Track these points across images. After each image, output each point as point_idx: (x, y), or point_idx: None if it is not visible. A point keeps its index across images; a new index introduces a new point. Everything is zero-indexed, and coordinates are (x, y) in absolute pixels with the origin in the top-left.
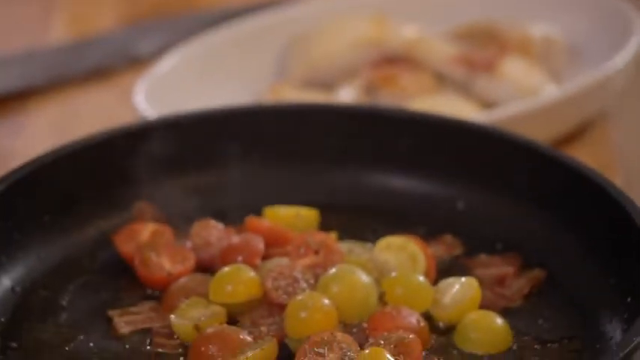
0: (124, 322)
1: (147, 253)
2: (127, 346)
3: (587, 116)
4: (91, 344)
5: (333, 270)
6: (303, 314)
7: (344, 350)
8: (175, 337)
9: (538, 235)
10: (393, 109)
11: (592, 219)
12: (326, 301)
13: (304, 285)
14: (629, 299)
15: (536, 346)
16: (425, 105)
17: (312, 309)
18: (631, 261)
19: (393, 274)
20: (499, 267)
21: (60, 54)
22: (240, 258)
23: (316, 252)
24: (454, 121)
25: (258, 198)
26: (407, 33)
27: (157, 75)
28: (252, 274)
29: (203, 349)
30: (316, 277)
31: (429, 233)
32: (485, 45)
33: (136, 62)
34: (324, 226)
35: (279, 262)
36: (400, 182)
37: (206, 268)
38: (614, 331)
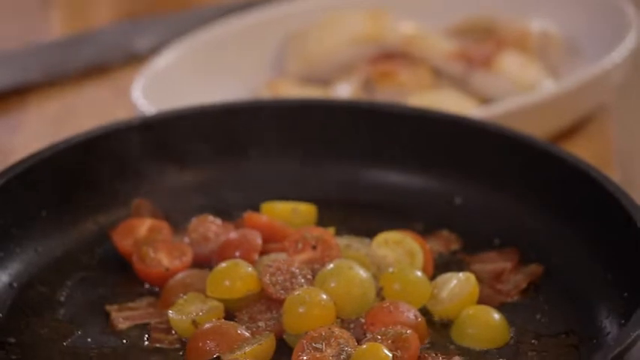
0: (121, 318)
1: (145, 248)
2: (125, 342)
3: (585, 111)
4: (89, 339)
5: (331, 265)
6: (300, 309)
7: (341, 345)
8: (173, 332)
9: (535, 231)
10: (391, 105)
11: (589, 214)
12: (324, 297)
13: (302, 280)
14: (626, 294)
15: (533, 341)
16: (422, 101)
17: (310, 304)
18: (628, 256)
19: (391, 269)
20: (496, 262)
21: (58, 50)
22: (237, 253)
23: (314, 247)
24: (452, 116)
25: (256, 193)
26: (404, 29)
27: (154, 71)
28: (249, 269)
29: (201, 344)
30: (314, 273)
31: (426, 228)
32: (482, 40)
33: (133, 58)
34: (322, 221)
35: (277, 258)
36: (398, 177)
37: (204, 263)
38: (611, 325)
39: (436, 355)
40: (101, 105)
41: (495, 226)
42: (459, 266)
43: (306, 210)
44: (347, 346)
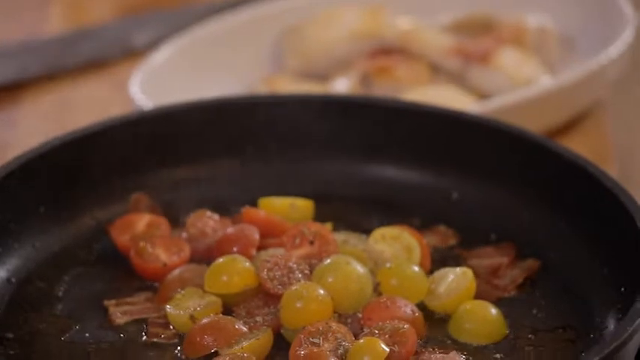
0: (119, 313)
1: (142, 243)
2: (123, 336)
3: (582, 107)
4: (87, 334)
5: (328, 260)
6: (298, 304)
7: (339, 340)
8: (171, 327)
9: (532, 226)
10: (388, 100)
11: (586, 209)
12: (321, 292)
13: (299, 275)
14: (622, 289)
15: (530, 336)
16: (420, 96)
17: (307, 299)
18: (625, 251)
19: (388, 264)
20: (493, 257)
21: (56, 45)
22: (235, 249)
23: (311, 242)
24: (449, 111)
25: (254, 189)
26: (402, 24)
27: (152, 66)
28: (247, 264)
29: (198, 339)
30: (311, 268)
31: (423, 224)
32: (479, 36)
33: (131, 54)
34: (319, 216)
35: (275, 253)
36: (395, 173)
37: (201, 258)
38: (608, 320)
39: (433, 349)
40: (99, 100)
41: (492, 221)
42: (456, 261)
43: (303, 205)
44: (344, 341)
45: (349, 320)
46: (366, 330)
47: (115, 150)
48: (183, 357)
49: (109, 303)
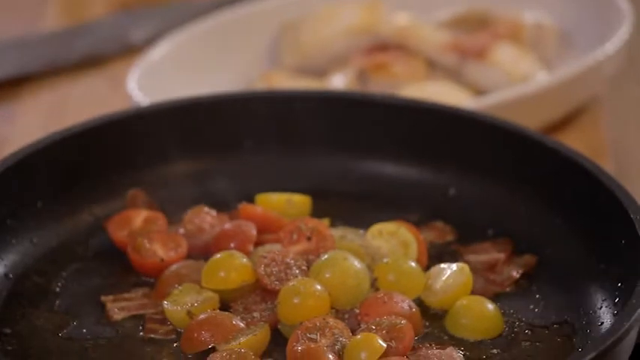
0: (117, 308)
1: (140, 239)
2: (120, 332)
3: (578, 103)
4: (84, 330)
5: (326, 256)
6: (295, 300)
7: (336, 336)
8: (168, 322)
9: (529, 222)
10: (385, 96)
11: (583, 205)
12: (318, 287)
13: (296, 271)
14: (619, 284)
15: (527, 331)
16: (416, 92)
17: (305, 295)
18: (621, 246)
19: (385, 260)
20: (490, 253)
21: (53, 41)
22: (232, 244)
23: (308, 238)
24: (445, 107)
25: (251, 185)
26: (399, 20)
27: (149, 62)
28: (244, 260)
29: (196, 334)
30: (308, 264)
31: (420, 219)
32: (476, 32)
33: (128, 50)
34: (317, 212)
35: (272, 249)
36: (392, 169)
37: (199, 254)
38: (605, 316)
39: (430, 345)
40: (96, 96)
41: (489, 217)
42: (453, 257)
43: (300, 201)
44: (341, 337)
45: (346, 316)
46: (363, 326)
47: (112, 146)
48: (180, 353)
49: (107, 299)
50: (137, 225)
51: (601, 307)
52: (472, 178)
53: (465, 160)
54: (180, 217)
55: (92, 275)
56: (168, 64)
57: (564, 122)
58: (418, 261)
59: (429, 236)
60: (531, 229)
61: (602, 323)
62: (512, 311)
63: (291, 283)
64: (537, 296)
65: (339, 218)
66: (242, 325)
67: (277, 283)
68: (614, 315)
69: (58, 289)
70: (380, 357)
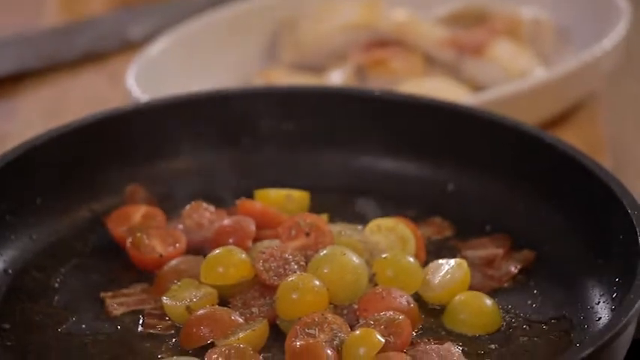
0: (116, 304)
1: (139, 235)
2: (119, 328)
3: (576, 99)
4: (83, 325)
5: (324, 252)
6: (294, 296)
7: (334, 331)
8: (167, 318)
9: (527, 217)
10: (383, 92)
11: (580, 201)
12: (317, 283)
13: (295, 267)
14: (617, 279)
15: (525, 327)
16: (414, 88)
17: (303, 290)
18: (619, 242)
19: (384, 255)
20: (488, 248)
21: (52, 37)
22: (231, 240)
23: (307, 234)
24: (444, 103)
25: (249, 180)
26: (397, 16)
27: (148, 59)
28: (243, 256)
29: (195, 330)
30: (307, 259)
31: (419, 215)
32: (474, 28)
33: (127, 46)
34: (315, 208)
35: (270, 244)
36: (390, 164)
37: (197, 250)
38: (603, 311)
39: (428, 340)
40: (95, 92)
41: (487, 212)
42: (451, 252)
43: (299, 197)
44: (340, 332)
45: (345, 311)
46: (361, 321)
47: (111, 142)
48: (179, 348)
49: (106, 294)
50: (136, 221)
51: (599, 302)
52: (470, 173)
53: (463, 156)
54: (179, 213)
55: (91, 271)
56: (167, 61)
57: (562, 118)
58: (416, 256)
59: (428, 232)
60: (529, 224)
61: (600, 318)
62: (510, 306)
63: (289, 279)
64: (535, 291)
65: (338, 214)
66: (241, 320)
67: (276, 278)
68: (612, 310)
69: (57, 285)
70: (378, 352)
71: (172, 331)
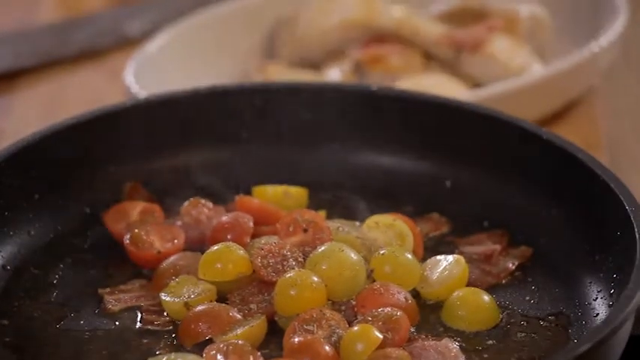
0: (114, 300)
1: (137, 231)
2: (117, 324)
3: (573, 95)
4: (82, 322)
5: (322, 248)
6: (292, 292)
7: (333, 327)
8: (165, 314)
9: (525, 213)
10: (381, 88)
11: (578, 196)
12: (315, 279)
13: (293, 263)
14: (615, 275)
15: (522, 323)
16: (413, 84)
17: (301, 287)
18: (616, 238)
19: (382, 251)
20: (486, 244)
21: (49, 34)
22: (229, 236)
23: (305, 230)
24: (442, 100)
25: (248, 177)
26: (395, 13)
27: (146, 55)
28: (241, 252)
29: (193, 326)
30: (305, 255)
31: (416, 211)
32: (472, 25)
33: (125, 42)
34: (313, 204)
35: (269, 241)
36: (388, 161)
37: (196, 246)
38: (600, 307)
39: (426, 336)
40: (93, 88)
41: (485, 208)
42: (448, 249)
43: (297, 193)
44: (338, 328)
45: (343, 307)
46: (359, 317)
47: (109, 138)
48: (177, 344)
49: (104, 290)
50: (134, 217)
51: (596, 298)
52: (468, 170)
53: (461, 153)
54: (177, 210)
55: (89, 267)
56: (165, 57)
57: (560, 114)
58: (414, 253)
59: (425, 228)
60: (527, 220)
61: (598, 314)
62: (507, 302)
63: (287, 275)
64: (533, 288)
65: (336, 210)
66: (239, 316)
67: (274, 274)
68: (610, 306)
69: (55, 281)
70: (376, 348)
71: (170, 328)
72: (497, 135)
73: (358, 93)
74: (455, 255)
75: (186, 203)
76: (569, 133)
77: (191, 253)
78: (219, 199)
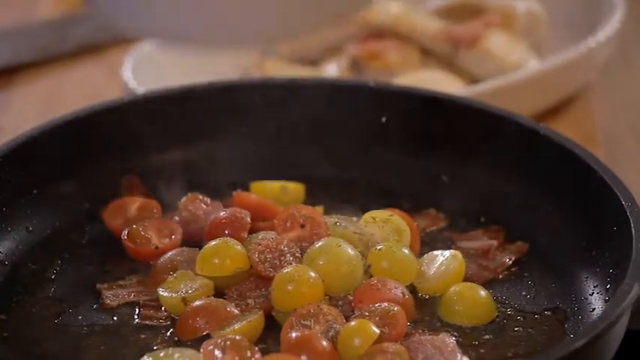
0: (112, 295)
1: (135, 227)
2: (115, 319)
3: (570, 90)
4: (80, 317)
5: (319, 243)
6: (289, 287)
7: (330, 322)
8: (163, 309)
9: (521, 209)
10: (378, 84)
11: (574, 192)
12: (312, 274)
13: (290, 258)
14: (611, 271)
15: (519, 317)
16: (410, 80)
17: (299, 282)
18: (613, 233)
19: (379, 246)
20: (483, 240)
21: (48, 30)
22: (227, 232)
23: (302, 225)
24: (439, 95)
25: (245, 172)
26: (392, 9)
27: (144, 51)
28: (238, 247)
29: (191, 321)
30: (302, 251)
31: (413, 207)
32: (469, 20)
33: (124, 38)
34: (310, 200)
35: (266, 236)
36: (386, 156)
37: (193, 241)
38: (597, 302)
39: (423, 331)
40: (92, 84)
41: (482, 204)
42: (445, 244)
43: (294, 189)
44: (335, 323)
45: (340, 302)
46: (356, 312)
47: (107, 134)
48: (175, 339)
49: (102, 286)
50: (132, 213)
51: (592, 293)
52: (465, 165)
53: (458, 148)
54: (174, 205)
55: (87, 263)
56: (163, 53)
57: (556, 110)
58: (411, 248)
59: (422, 223)
60: (524, 216)
61: (594, 309)
62: (504, 297)
63: (285, 270)
64: (529, 283)
65: (333, 206)
66: (236, 311)
67: (271, 270)
68: (606, 301)
69: (53, 277)
70: (373, 343)
71: (168, 323)
72: (493, 131)
73: (356, 89)
74: (452, 250)
75: (183, 199)
76: (566, 129)
77: (189, 249)
78: (217, 194)
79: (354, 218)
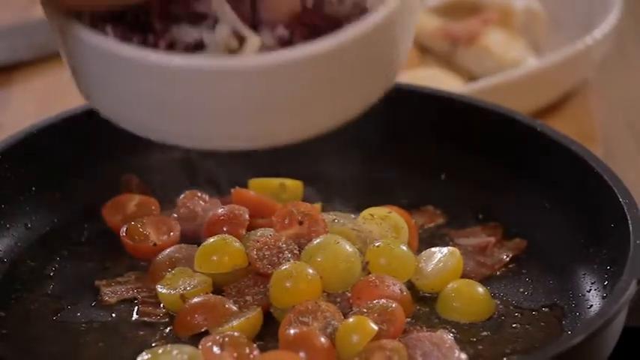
0: (110, 292)
1: (133, 224)
2: (114, 316)
3: (568, 87)
4: (79, 314)
5: (317, 240)
6: (287, 284)
7: (328, 319)
8: (161, 306)
9: (519, 205)
10: None
11: (572, 189)
12: (310, 271)
13: (288, 255)
14: (608, 267)
15: (517, 314)
16: (409, 78)
17: (297, 279)
18: (611, 230)
19: (377, 243)
20: (481, 236)
21: (46, 27)
22: (225, 229)
23: (300, 222)
24: (437, 93)
25: (243, 169)
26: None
27: None
28: (237, 244)
29: (189, 318)
30: (300, 248)
31: (411, 203)
32: (467, 18)
33: None
34: (309, 197)
35: (264, 233)
36: (384, 153)
37: (192, 238)
38: (594, 299)
39: (421, 328)
40: None
41: (480, 201)
42: (443, 241)
43: (293, 185)
44: (333, 320)
45: (338, 299)
46: (355, 309)
47: (106, 131)
48: (173, 336)
49: (100, 283)
50: (130, 210)
51: (590, 290)
52: (463, 162)
53: (456, 145)
54: (173, 202)
55: (86, 259)
56: None
57: (554, 107)
58: (409, 245)
59: (420, 220)
60: (521, 213)
61: (591, 306)
62: (502, 294)
63: (283, 267)
64: (527, 279)
65: (331, 202)
66: (235, 308)
67: (269, 267)
68: (603, 298)
69: (52, 274)
70: (372, 340)
71: (167, 319)
72: (492, 128)
73: None
74: (450, 247)
75: (182, 196)
76: (564, 126)
77: (187, 246)
78: (216, 191)
79: (352, 215)
